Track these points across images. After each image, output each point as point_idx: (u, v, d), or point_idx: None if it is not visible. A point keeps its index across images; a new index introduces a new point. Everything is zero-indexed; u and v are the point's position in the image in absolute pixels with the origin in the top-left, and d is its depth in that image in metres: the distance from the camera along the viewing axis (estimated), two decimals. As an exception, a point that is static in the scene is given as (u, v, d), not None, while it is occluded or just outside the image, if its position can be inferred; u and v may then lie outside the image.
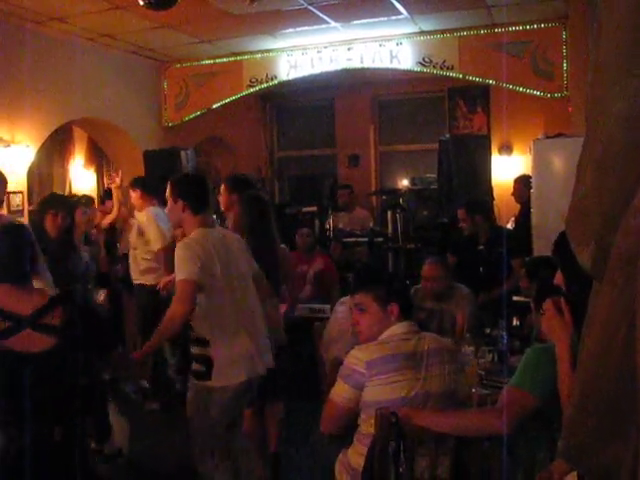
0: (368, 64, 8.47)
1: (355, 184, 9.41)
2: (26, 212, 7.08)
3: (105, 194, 8.32)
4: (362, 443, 2.70)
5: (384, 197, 9.92)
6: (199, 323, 3.40)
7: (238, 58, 9.07)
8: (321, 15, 7.45)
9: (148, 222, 5.88)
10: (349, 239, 8.24)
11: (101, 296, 5.48)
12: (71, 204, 5.80)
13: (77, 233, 5.77)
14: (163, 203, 5.62)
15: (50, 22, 7.28)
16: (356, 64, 8.53)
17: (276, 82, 8.97)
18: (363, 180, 10.92)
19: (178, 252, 3.37)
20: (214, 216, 4.56)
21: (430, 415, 2.63)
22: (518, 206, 7.51)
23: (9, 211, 6.87)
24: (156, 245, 5.79)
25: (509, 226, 7.70)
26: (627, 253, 1.05)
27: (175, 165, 7.89)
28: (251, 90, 9.13)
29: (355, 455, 2.76)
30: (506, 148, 9.79)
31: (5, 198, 6.78)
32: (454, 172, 7.61)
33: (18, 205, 6.98)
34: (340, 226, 8.46)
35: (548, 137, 6.37)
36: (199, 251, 3.36)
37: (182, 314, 3.30)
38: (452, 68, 8.08)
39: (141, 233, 5.90)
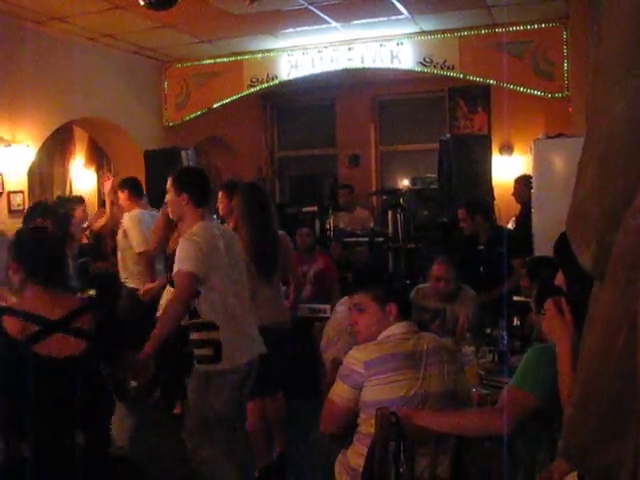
0: (369, 64, 8.48)
1: (355, 184, 9.41)
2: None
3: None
4: (362, 443, 2.70)
5: (384, 197, 9.92)
6: (207, 308, 3.48)
7: (239, 58, 9.08)
8: (322, 15, 7.45)
9: (132, 225, 5.88)
10: (349, 239, 8.25)
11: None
12: (60, 214, 5.79)
13: (70, 243, 5.74)
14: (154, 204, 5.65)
15: (51, 22, 7.28)
16: (357, 64, 8.53)
17: (277, 82, 8.97)
18: (363, 180, 10.92)
19: (181, 246, 3.44)
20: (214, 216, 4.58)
21: (430, 415, 2.63)
22: (519, 206, 7.51)
23: (9, 211, 6.89)
24: (138, 248, 5.78)
25: (509, 226, 7.70)
26: (628, 253, 1.05)
27: (175, 165, 7.87)
28: (252, 90, 9.13)
29: (355, 455, 2.76)
30: (507, 148, 9.79)
31: (5, 195, 6.82)
32: (454, 172, 7.60)
33: (19, 205, 6.98)
34: (340, 226, 8.46)
35: (549, 137, 6.37)
36: (202, 244, 3.43)
37: (182, 307, 3.39)
38: (453, 68, 8.08)
39: (126, 236, 5.90)
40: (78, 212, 6.52)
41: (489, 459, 2.67)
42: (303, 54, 8.73)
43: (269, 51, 8.89)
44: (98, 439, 2.62)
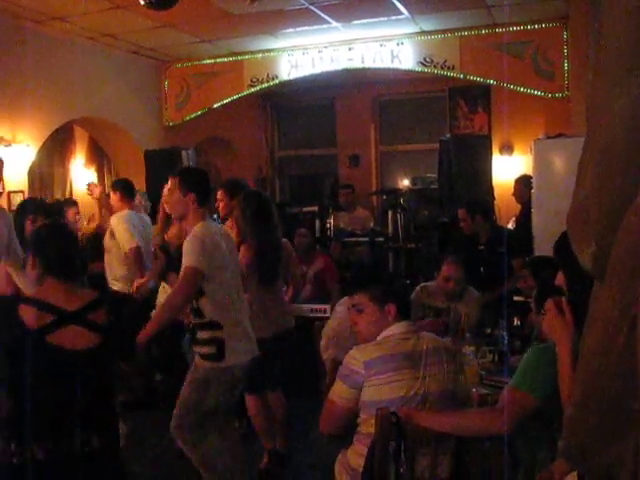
0: (369, 64, 8.47)
1: (356, 184, 9.41)
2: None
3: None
4: (362, 443, 2.70)
5: (385, 197, 9.91)
6: (210, 307, 3.55)
7: (239, 58, 9.08)
8: (322, 15, 7.45)
9: (119, 223, 5.87)
10: (350, 239, 8.25)
11: None
12: (51, 209, 5.80)
13: None
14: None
15: (51, 22, 7.28)
16: (357, 64, 8.53)
17: (277, 82, 8.97)
18: (364, 180, 10.92)
19: (187, 244, 3.51)
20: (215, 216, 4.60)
21: (430, 415, 2.63)
22: (519, 206, 7.51)
23: (10, 210, 6.88)
24: (127, 245, 5.78)
25: (510, 226, 7.70)
26: (628, 252, 1.06)
27: (176, 165, 7.88)
28: (252, 90, 9.13)
29: (355, 455, 2.76)
30: (507, 148, 9.79)
31: (5, 195, 6.82)
32: (455, 172, 7.60)
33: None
34: (341, 226, 8.47)
35: (549, 137, 6.37)
36: (207, 242, 3.52)
37: (183, 299, 3.49)
38: (453, 68, 8.08)
39: (113, 236, 5.89)
40: (70, 213, 6.51)
41: (489, 459, 2.68)
42: (303, 54, 8.73)
43: (269, 51, 8.89)
44: (111, 440, 2.62)
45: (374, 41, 8.35)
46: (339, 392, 2.75)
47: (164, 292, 5.13)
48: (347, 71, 8.78)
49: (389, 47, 8.31)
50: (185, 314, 3.80)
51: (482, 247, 6.02)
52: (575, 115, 6.86)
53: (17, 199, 6.98)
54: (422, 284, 5.01)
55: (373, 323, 2.85)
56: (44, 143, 7.60)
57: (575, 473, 1.96)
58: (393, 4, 7.13)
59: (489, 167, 7.84)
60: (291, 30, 8.09)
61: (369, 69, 8.66)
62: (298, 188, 10.57)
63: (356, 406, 2.73)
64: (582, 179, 1.18)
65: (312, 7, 7.16)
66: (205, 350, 3.57)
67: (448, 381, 2.77)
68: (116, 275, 5.91)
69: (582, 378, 1.20)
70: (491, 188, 7.75)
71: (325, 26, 7.87)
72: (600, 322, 1.14)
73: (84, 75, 8.01)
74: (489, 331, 4.26)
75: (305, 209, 8.61)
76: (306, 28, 7.99)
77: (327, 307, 5.48)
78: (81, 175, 9.49)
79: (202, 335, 3.60)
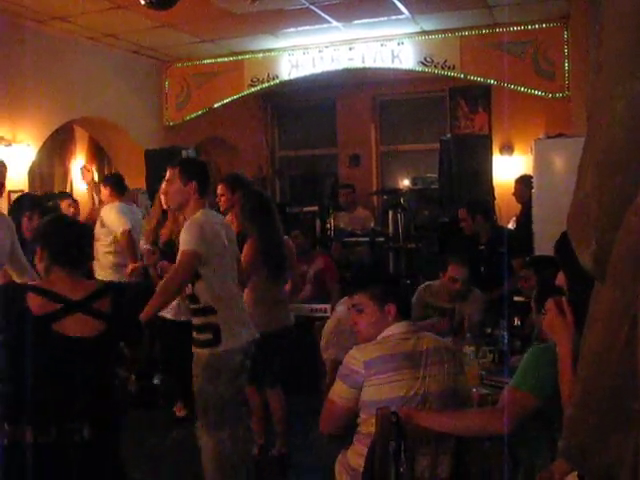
0: (369, 64, 8.48)
1: (356, 184, 9.41)
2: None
3: None
4: (362, 443, 2.70)
5: (385, 197, 9.91)
6: (206, 293, 3.59)
7: (239, 58, 9.08)
8: (323, 15, 7.45)
9: (109, 211, 5.96)
10: (350, 239, 8.25)
11: None
12: (47, 206, 5.82)
13: None
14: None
15: (51, 21, 7.29)
16: (357, 64, 8.53)
17: (277, 82, 8.97)
18: (364, 180, 10.92)
19: (185, 228, 3.56)
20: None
21: (431, 415, 2.63)
22: (519, 206, 7.51)
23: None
24: (118, 230, 5.87)
25: (510, 226, 7.70)
26: (629, 251, 1.05)
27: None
28: (252, 90, 9.13)
29: (355, 455, 2.76)
30: (507, 148, 9.78)
31: (6, 195, 6.81)
32: (455, 172, 7.60)
33: (19, 204, 6.98)
34: (341, 226, 8.46)
35: (549, 137, 6.37)
36: (206, 228, 3.57)
37: (179, 282, 3.53)
38: (453, 68, 8.08)
39: (103, 225, 5.94)
40: (63, 205, 6.53)
41: (489, 459, 2.67)
42: (304, 54, 8.73)
43: (270, 51, 8.88)
44: (104, 431, 2.61)
45: (375, 41, 8.35)
46: (339, 392, 2.75)
47: None
48: (347, 71, 8.78)
49: (390, 47, 8.31)
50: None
51: (482, 247, 6.02)
52: (575, 115, 6.86)
53: (17, 199, 6.98)
54: (426, 283, 5.00)
55: (373, 323, 2.85)
56: (44, 143, 7.60)
57: (575, 473, 1.96)
58: (394, 4, 7.13)
59: (489, 167, 7.84)
60: (292, 30, 8.09)
61: (369, 69, 8.66)
62: (298, 188, 10.56)
63: (356, 406, 2.73)
64: (582, 179, 1.17)
65: (313, 7, 7.17)
66: (201, 337, 3.61)
67: (448, 381, 2.76)
68: (103, 264, 5.93)
69: (582, 378, 1.20)
70: (491, 188, 7.74)
71: (326, 26, 7.88)
72: (600, 322, 1.14)
73: (84, 75, 8.01)
74: (489, 331, 4.26)
75: (305, 209, 8.61)
76: (307, 28, 7.99)
77: (327, 307, 5.49)
78: (81, 175, 9.49)
79: (196, 321, 3.65)
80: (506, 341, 3.90)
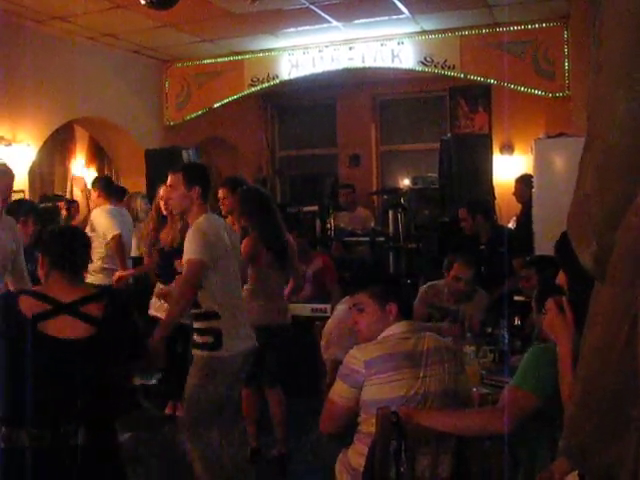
0: (369, 63, 8.48)
1: (356, 184, 9.41)
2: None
3: None
4: (362, 443, 2.70)
5: (385, 197, 9.91)
6: (208, 298, 3.59)
7: (239, 57, 9.08)
8: (323, 14, 7.45)
9: (98, 215, 5.95)
10: (350, 239, 8.24)
11: None
12: (42, 212, 5.82)
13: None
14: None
15: (52, 21, 7.29)
16: (357, 63, 8.53)
17: (277, 81, 8.98)
18: (364, 180, 10.92)
19: (189, 236, 3.57)
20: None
21: (431, 414, 2.63)
22: (519, 206, 7.50)
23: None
24: (108, 234, 5.85)
25: (510, 226, 7.69)
26: (629, 251, 1.06)
27: (176, 164, 7.87)
28: (252, 89, 9.14)
29: (355, 455, 2.76)
30: (507, 148, 9.78)
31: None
32: (455, 171, 7.60)
33: (19, 204, 6.97)
34: (341, 226, 8.46)
35: (549, 137, 6.37)
36: (210, 234, 3.59)
37: (190, 293, 3.53)
38: (453, 67, 8.08)
39: (93, 229, 5.92)
40: (60, 208, 6.54)
41: (490, 459, 2.67)
42: (304, 53, 8.73)
43: (270, 50, 8.89)
44: (100, 436, 2.61)
45: (375, 40, 8.35)
46: (339, 391, 2.75)
47: (159, 289, 5.17)
48: (348, 71, 8.78)
49: (390, 46, 8.31)
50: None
51: (483, 247, 6.02)
52: (576, 115, 6.86)
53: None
54: (430, 283, 4.99)
55: (374, 323, 2.85)
56: (45, 143, 7.61)
57: (575, 473, 1.96)
58: (394, 3, 7.14)
59: (490, 167, 7.84)
60: (292, 30, 8.09)
61: (370, 69, 8.66)
62: (298, 188, 10.55)
63: (356, 405, 2.73)
64: (583, 179, 1.17)
65: (313, 6, 7.17)
66: (202, 340, 3.61)
67: (449, 381, 2.76)
68: (93, 268, 5.91)
69: (583, 377, 1.20)
70: (492, 188, 7.74)
71: (326, 25, 7.88)
72: (601, 322, 1.14)
73: (85, 75, 8.01)
74: (490, 331, 4.26)
75: (305, 209, 8.60)
76: (307, 27, 7.99)
77: (328, 307, 5.48)
78: (82, 175, 9.50)
79: (198, 325, 3.65)
80: (506, 341, 3.90)
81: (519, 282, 4.97)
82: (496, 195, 7.80)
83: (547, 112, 8.66)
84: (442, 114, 10.78)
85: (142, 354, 2.86)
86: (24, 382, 2.46)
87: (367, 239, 8.23)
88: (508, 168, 9.28)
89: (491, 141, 8.48)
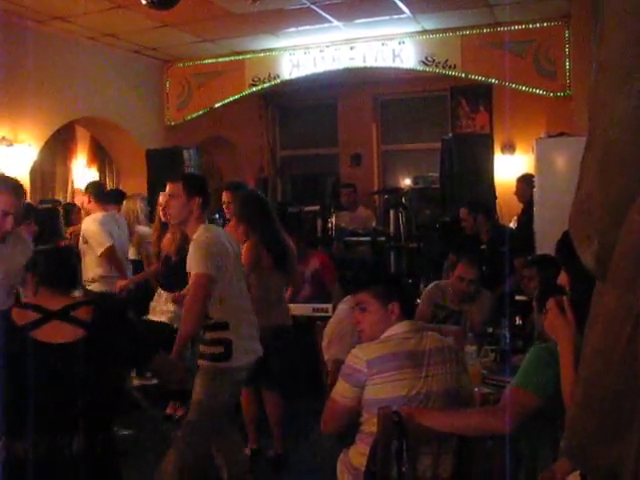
0: (371, 63, 8.48)
1: (357, 183, 9.40)
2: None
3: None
4: (364, 442, 2.70)
5: (386, 196, 9.90)
6: (218, 308, 3.58)
7: (240, 57, 9.08)
8: (324, 14, 7.45)
9: (88, 227, 5.82)
10: (351, 238, 8.24)
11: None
12: (39, 212, 5.79)
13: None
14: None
15: (52, 21, 7.29)
16: (358, 63, 8.53)
17: (278, 81, 8.97)
18: (365, 179, 10.92)
19: (193, 249, 3.55)
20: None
21: (433, 414, 2.63)
22: (521, 205, 7.50)
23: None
24: (98, 249, 5.73)
25: (511, 225, 7.69)
26: (630, 251, 1.05)
27: (177, 164, 7.89)
28: (253, 89, 9.14)
29: (357, 455, 2.76)
30: (509, 147, 9.78)
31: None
32: (456, 171, 7.60)
33: (21, 204, 6.97)
34: (342, 225, 8.45)
35: (551, 136, 6.37)
36: (214, 246, 3.56)
37: (200, 307, 3.50)
38: (454, 67, 8.08)
39: (85, 241, 5.83)
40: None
41: (491, 458, 2.67)
42: (305, 53, 8.73)
43: (271, 50, 8.89)
44: (97, 443, 2.63)
45: (376, 40, 8.35)
46: (341, 391, 2.75)
47: (159, 298, 5.17)
48: (349, 70, 8.78)
49: (391, 46, 8.31)
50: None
51: (484, 246, 6.02)
52: (577, 114, 6.85)
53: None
54: (435, 282, 4.99)
55: (376, 322, 2.85)
56: (46, 143, 7.61)
57: (577, 473, 1.96)
58: (395, 3, 7.13)
59: (491, 166, 7.84)
60: (293, 29, 8.09)
61: (371, 68, 8.66)
62: (300, 187, 10.56)
63: (358, 405, 2.73)
64: (584, 178, 1.17)
65: (313, 6, 7.17)
66: (212, 350, 3.59)
67: (451, 380, 2.76)
68: (89, 277, 5.88)
69: (584, 378, 1.20)
70: (493, 187, 7.74)
71: (327, 25, 7.88)
72: (602, 321, 1.14)
73: (86, 75, 8.01)
74: (491, 330, 4.25)
75: (307, 208, 8.60)
76: (308, 27, 7.99)
77: (329, 306, 5.47)
78: (83, 175, 9.51)
79: (208, 336, 3.63)
80: (508, 340, 3.90)
81: (521, 282, 4.97)
82: (497, 195, 7.79)
83: (548, 111, 8.66)
84: (443, 114, 10.78)
85: (147, 356, 2.85)
86: (22, 391, 2.49)
87: (368, 239, 8.23)
88: (509, 168, 9.28)
89: (492, 141, 8.48)
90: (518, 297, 4.91)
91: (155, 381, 5.93)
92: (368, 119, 11.32)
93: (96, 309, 2.68)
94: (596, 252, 1.13)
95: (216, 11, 7.17)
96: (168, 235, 4.99)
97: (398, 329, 2.82)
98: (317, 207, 8.63)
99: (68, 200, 8.84)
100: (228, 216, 4.87)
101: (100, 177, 9.73)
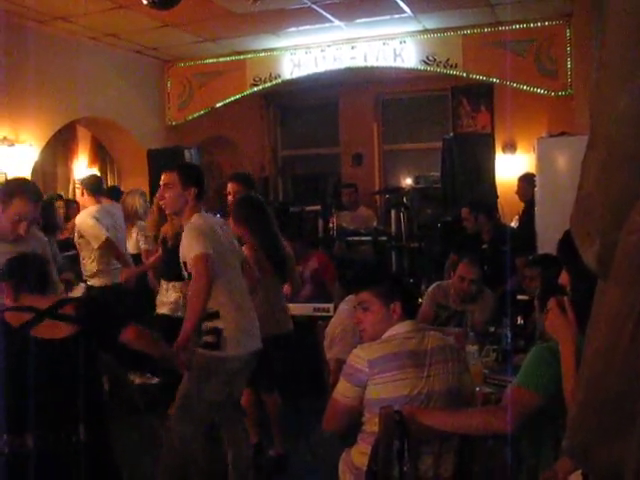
0: (372, 63, 8.47)
1: (359, 183, 9.40)
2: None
3: None
4: (366, 442, 2.70)
5: (388, 196, 9.89)
6: (210, 299, 3.55)
7: (241, 57, 9.08)
8: (325, 14, 7.44)
9: (82, 222, 5.83)
10: (353, 238, 8.24)
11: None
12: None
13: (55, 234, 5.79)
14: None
15: (54, 21, 7.29)
16: (360, 63, 8.53)
17: (279, 81, 8.97)
18: (367, 179, 10.92)
19: (186, 234, 3.56)
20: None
21: (434, 414, 2.63)
22: (522, 204, 7.50)
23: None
24: (94, 243, 5.74)
25: (513, 224, 7.69)
26: (632, 251, 1.05)
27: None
28: (254, 89, 9.13)
29: (358, 454, 2.76)
30: (510, 146, 9.77)
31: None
32: (458, 171, 7.60)
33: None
34: (343, 225, 8.45)
35: (552, 135, 6.37)
36: (206, 230, 3.58)
37: (204, 287, 3.48)
38: (456, 66, 8.07)
39: (81, 235, 5.84)
40: (57, 207, 6.45)
41: (493, 458, 2.67)
42: (306, 53, 8.73)
43: (272, 50, 8.88)
44: (100, 434, 2.75)
45: (377, 40, 8.35)
46: (343, 391, 2.75)
47: (165, 290, 5.16)
48: (350, 70, 8.78)
49: (392, 46, 8.31)
50: None
51: (485, 246, 6.01)
52: (578, 113, 6.85)
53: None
54: (437, 282, 4.98)
55: (378, 322, 2.85)
56: (47, 143, 7.61)
57: (579, 472, 1.96)
58: (396, 3, 7.13)
59: (492, 165, 7.84)
60: (294, 29, 8.09)
61: (372, 68, 8.66)
62: (301, 187, 10.56)
63: (360, 405, 2.73)
64: (586, 177, 1.17)
65: (314, 6, 7.16)
66: (204, 339, 3.58)
67: (452, 380, 2.76)
68: (88, 271, 5.90)
69: (586, 377, 1.20)
70: (494, 186, 7.74)
71: (328, 25, 7.87)
72: (604, 321, 1.14)
73: (87, 75, 8.01)
74: (493, 330, 4.25)
75: (308, 208, 8.60)
76: (309, 27, 7.99)
77: (330, 306, 5.47)
78: (84, 175, 9.51)
79: (203, 327, 3.61)
80: (509, 340, 3.90)
81: (522, 281, 4.96)
82: (498, 194, 7.79)
83: (549, 111, 8.66)
84: (444, 113, 10.77)
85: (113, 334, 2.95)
86: (28, 389, 2.59)
87: (369, 238, 8.22)
88: (510, 167, 9.27)
89: (493, 140, 8.49)
90: (520, 296, 4.91)
91: (156, 380, 5.94)
92: (369, 119, 11.32)
93: (80, 306, 2.85)
94: (598, 251, 1.13)
95: (217, 11, 7.17)
96: (167, 224, 4.98)
97: (400, 329, 2.82)
98: (318, 207, 8.63)
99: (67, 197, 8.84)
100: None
101: (101, 177, 9.72)
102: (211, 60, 9.23)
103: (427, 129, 10.92)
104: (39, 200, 3.66)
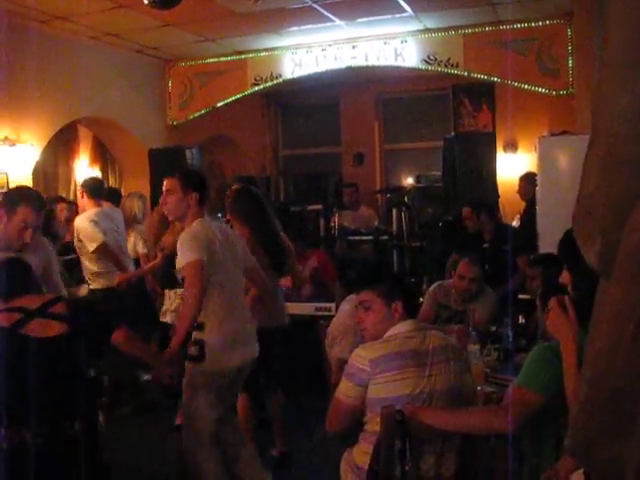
0: (373, 62, 8.47)
1: (360, 182, 9.40)
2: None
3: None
4: (367, 442, 2.70)
5: (389, 195, 9.90)
6: (203, 305, 3.52)
7: (242, 57, 9.08)
8: (326, 13, 7.44)
9: (81, 223, 5.83)
10: (354, 237, 8.24)
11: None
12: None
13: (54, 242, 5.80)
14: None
15: (54, 21, 7.30)
16: (361, 62, 8.52)
17: (281, 80, 8.97)
18: (368, 178, 10.91)
19: (182, 240, 3.54)
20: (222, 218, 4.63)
21: (436, 413, 2.63)
22: (523, 203, 7.50)
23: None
24: (90, 247, 5.75)
25: (514, 224, 7.68)
26: (634, 250, 1.05)
27: (180, 163, 7.89)
28: (255, 88, 9.13)
29: (360, 454, 2.76)
30: (511, 146, 9.76)
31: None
32: (459, 170, 7.60)
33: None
34: (345, 224, 8.45)
35: (553, 135, 6.37)
36: (201, 237, 3.54)
37: (196, 295, 3.44)
38: (457, 66, 8.07)
39: (79, 239, 5.84)
40: (59, 210, 6.44)
41: (494, 457, 2.67)
42: (307, 52, 8.73)
43: (273, 49, 8.88)
44: (91, 427, 2.84)
45: (378, 39, 8.34)
46: (345, 390, 2.75)
47: (168, 298, 5.17)
48: (351, 69, 8.77)
49: (393, 45, 8.30)
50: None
51: (487, 245, 6.01)
52: (579, 112, 6.85)
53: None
54: (439, 282, 4.98)
55: (380, 321, 2.85)
56: (48, 143, 7.61)
57: (581, 471, 1.96)
58: (397, 2, 7.13)
59: (493, 165, 7.83)
60: (295, 28, 8.09)
61: (373, 67, 8.65)
62: (302, 187, 10.54)
63: (362, 404, 2.73)
64: (587, 176, 1.17)
65: (316, 5, 7.16)
66: (190, 351, 3.53)
67: (454, 379, 2.76)
68: (90, 273, 5.89)
69: (588, 377, 1.20)
70: (495, 186, 7.73)
71: (329, 24, 7.87)
72: (606, 321, 1.14)
73: (88, 75, 8.01)
74: (494, 329, 4.25)
75: (309, 208, 8.61)
76: (310, 26, 7.99)
77: (332, 306, 5.47)
78: (85, 174, 9.50)
79: (192, 336, 3.57)
80: (511, 339, 3.90)
81: (524, 280, 4.96)
82: (500, 193, 7.79)
83: (551, 110, 8.65)
84: (446, 112, 10.76)
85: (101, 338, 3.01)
86: (24, 386, 2.65)
87: (371, 238, 8.23)
88: (512, 166, 9.26)
89: (495, 139, 8.47)
90: (521, 296, 4.91)
91: (148, 377, 5.95)
92: (370, 118, 11.31)
93: (69, 304, 2.93)
94: (600, 250, 1.13)
95: (218, 10, 7.17)
96: (167, 235, 4.98)
97: (401, 328, 2.82)
98: (320, 206, 8.64)
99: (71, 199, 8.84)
100: None
101: (103, 177, 9.70)
102: (212, 60, 9.22)
103: (428, 128, 10.90)
104: (42, 208, 3.65)
